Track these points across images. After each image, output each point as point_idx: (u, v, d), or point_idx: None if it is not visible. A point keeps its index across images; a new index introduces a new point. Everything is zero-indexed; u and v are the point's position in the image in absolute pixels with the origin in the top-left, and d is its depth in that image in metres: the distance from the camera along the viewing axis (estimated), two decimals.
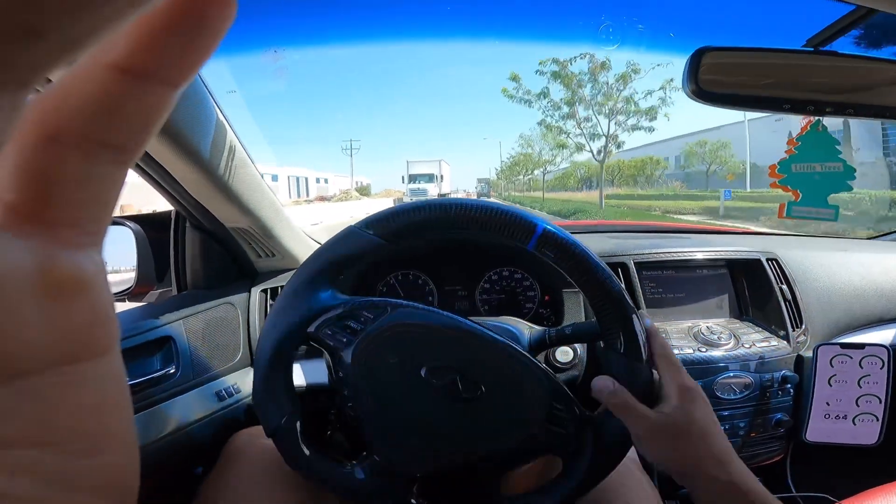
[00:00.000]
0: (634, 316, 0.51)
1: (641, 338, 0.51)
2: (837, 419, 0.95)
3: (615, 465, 0.53)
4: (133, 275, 0.91)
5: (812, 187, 0.69)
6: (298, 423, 0.52)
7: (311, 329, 0.52)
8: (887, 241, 1.28)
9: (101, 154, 0.11)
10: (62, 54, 0.09)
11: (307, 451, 0.52)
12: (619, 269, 0.99)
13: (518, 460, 0.57)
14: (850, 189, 0.69)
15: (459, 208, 0.51)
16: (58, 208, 0.11)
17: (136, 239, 0.89)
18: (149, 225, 0.91)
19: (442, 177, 36.85)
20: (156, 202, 0.91)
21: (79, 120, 0.11)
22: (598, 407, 0.54)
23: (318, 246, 0.57)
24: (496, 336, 0.53)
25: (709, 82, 0.71)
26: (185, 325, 0.79)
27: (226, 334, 0.86)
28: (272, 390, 0.52)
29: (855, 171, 0.71)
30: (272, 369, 0.52)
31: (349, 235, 0.53)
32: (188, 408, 0.75)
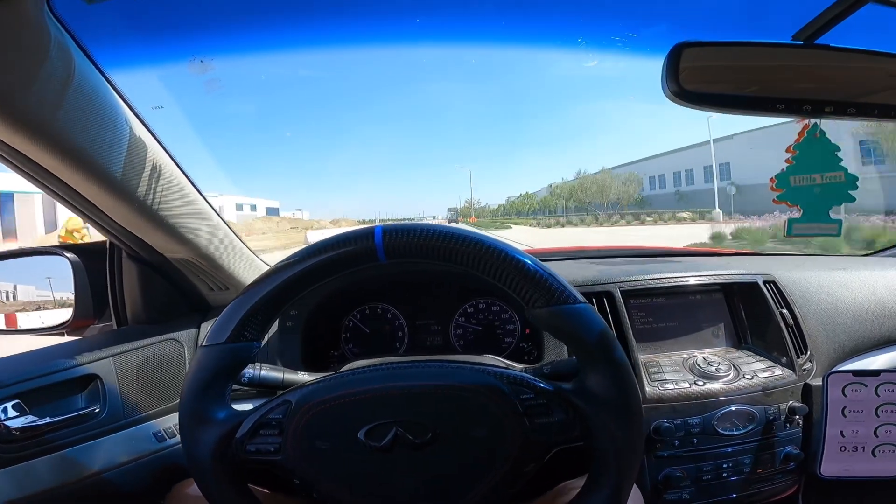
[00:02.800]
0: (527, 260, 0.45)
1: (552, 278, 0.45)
2: (855, 451, 0.82)
3: (639, 422, 0.45)
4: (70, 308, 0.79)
5: (812, 201, 0.57)
6: None
7: (233, 453, 0.45)
8: (887, 258, 1.16)
9: None
10: None
11: None
12: (605, 299, 0.86)
13: (535, 475, 0.48)
14: (852, 200, 0.58)
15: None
16: None
17: (74, 270, 0.78)
18: (87, 255, 0.79)
19: None
20: None
21: None
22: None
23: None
24: (408, 362, 0.48)
25: (691, 82, 0.60)
26: (115, 363, 0.69)
27: (168, 372, 0.74)
28: None
29: (857, 179, 0.60)
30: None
31: (208, 350, 0.46)
32: (118, 448, 0.66)
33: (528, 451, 0.45)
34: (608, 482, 0.44)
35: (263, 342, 0.49)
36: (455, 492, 0.45)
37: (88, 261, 0.79)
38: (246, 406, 0.48)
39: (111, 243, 0.75)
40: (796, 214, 0.57)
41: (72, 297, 0.80)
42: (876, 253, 1.22)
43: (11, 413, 0.59)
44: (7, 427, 0.58)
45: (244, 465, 0.46)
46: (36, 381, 0.61)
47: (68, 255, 0.78)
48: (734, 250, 1.20)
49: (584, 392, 0.45)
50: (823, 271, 1.00)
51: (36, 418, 0.60)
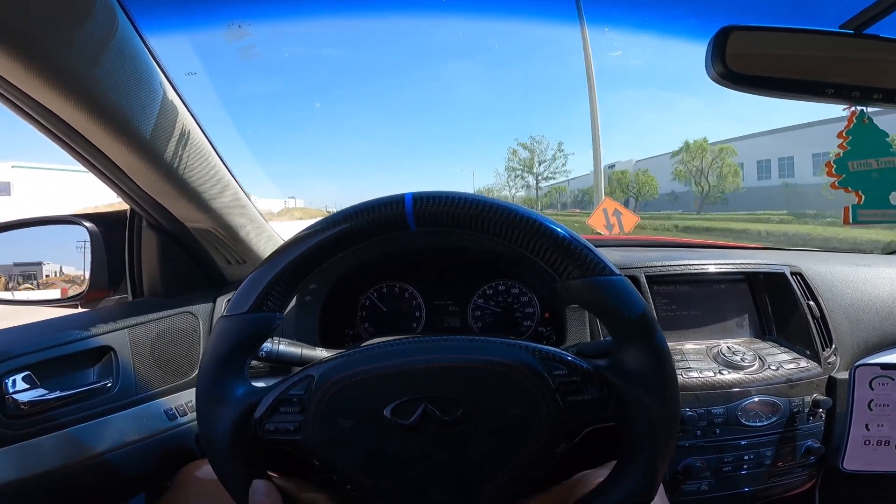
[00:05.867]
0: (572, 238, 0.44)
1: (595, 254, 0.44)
2: (879, 445, 0.82)
3: (676, 402, 0.43)
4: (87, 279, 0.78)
5: (872, 186, 0.56)
6: None
7: (251, 433, 0.43)
8: None
9: None
10: None
11: None
12: None
13: (563, 461, 0.46)
14: None
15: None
16: None
17: (91, 239, 0.77)
18: (106, 225, 0.77)
19: None
20: None
21: None
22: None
23: None
24: (435, 337, 0.45)
25: (739, 64, 0.59)
26: (130, 335, 0.67)
27: (181, 347, 0.73)
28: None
29: None
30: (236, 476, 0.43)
31: (228, 320, 0.44)
32: (128, 426, 0.64)
33: (560, 430, 0.43)
34: (642, 465, 0.42)
35: (284, 314, 0.47)
36: (484, 472, 0.43)
37: (106, 230, 0.77)
38: (261, 384, 0.46)
39: (132, 212, 0.74)
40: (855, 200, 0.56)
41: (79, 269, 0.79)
42: None
43: (21, 385, 0.56)
44: (15, 401, 0.55)
45: (262, 445, 0.44)
46: (48, 353, 0.59)
47: (86, 223, 0.77)
48: (758, 245, 1.19)
49: (620, 369, 0.43)
50: (848, 266, 0.99)
51: (46, 392, 0.58)
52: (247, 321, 0.43)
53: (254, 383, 0.45)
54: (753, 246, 1.19)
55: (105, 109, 0.49)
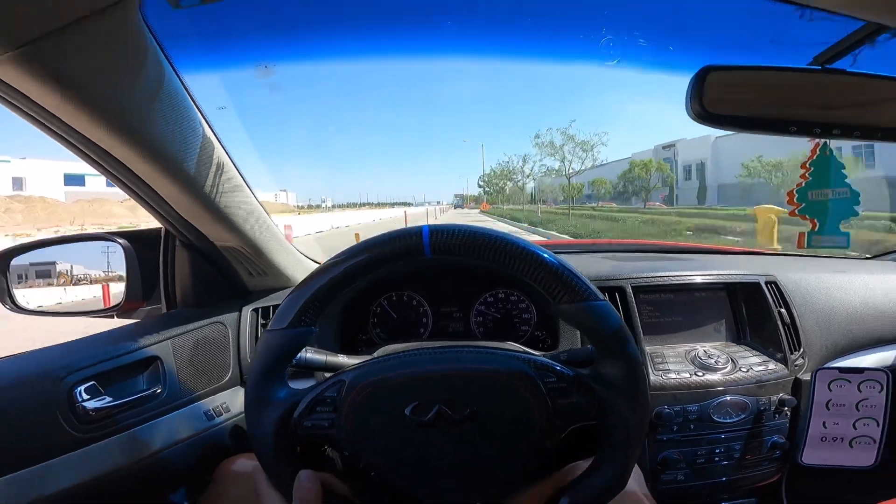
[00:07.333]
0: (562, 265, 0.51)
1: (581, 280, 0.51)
2: (834, 442, 0.90)
3: (646, 407, 0.52)
4: (122, 292, 0.86)
5: (826, 215, 0.63)
6: None
7: (292, 430, 0.51)
8: (888, 262, 1.21)
9: None
10: None
11: None
12: (617, 294, 0.94)
13: (553, 456, 0.56)
14: (857, 214, 0.64)
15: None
16: None
17: (126, 255, 0.84)
18: (138, 242, 0.85)
19: None
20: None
21: None
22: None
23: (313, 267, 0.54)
24: (446, 347, 0.55)
25: (714, 103, 0.65)
26: (172, 345, 0.74)
27: (215, 354, 0.81)
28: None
29: (860, 195, 0.66)
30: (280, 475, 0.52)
31: (272, 334, 0.52)
32: (175, 427, 0.72)
33: (550, 428, 0.52)
34: (617, 457, 0.51)
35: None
36: (488, 464, 0.52)
37: (138, 246, 0.85)
38: (298, 385, 0.53)
39: (166, 232, 0.82)
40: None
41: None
42: (878, 257, 1.28)
43: (88, 395, 0.63)
44: (85, 409, 0.61)
45: (300, 442, 0.52)
46: (106, 364, 0.65)
47: (120, 240, 0.84)
48: (742, 248, 1.26)
49: (600, 378, 0.52)
50: (825, 273, 1.05)
51: (111, 399, 0.64)
52: (288, 335, 0.51)
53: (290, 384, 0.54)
54: (737, 250, 1.26)
55: (152, 145, 0.56)
